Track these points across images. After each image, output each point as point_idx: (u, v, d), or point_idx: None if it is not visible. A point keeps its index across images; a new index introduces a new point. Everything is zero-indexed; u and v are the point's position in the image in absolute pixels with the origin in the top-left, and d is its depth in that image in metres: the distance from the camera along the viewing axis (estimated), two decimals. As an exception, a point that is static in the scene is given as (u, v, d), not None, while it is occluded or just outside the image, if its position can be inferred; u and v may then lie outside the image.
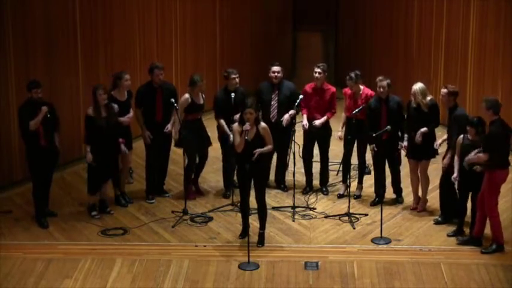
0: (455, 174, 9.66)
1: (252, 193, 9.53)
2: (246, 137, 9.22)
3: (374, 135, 10.42)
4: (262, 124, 9.42)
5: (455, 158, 9.58)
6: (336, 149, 12.02)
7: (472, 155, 9.27)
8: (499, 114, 9.24)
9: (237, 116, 10.54)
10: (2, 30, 11.00)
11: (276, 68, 10.96)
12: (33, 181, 10.10)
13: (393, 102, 10.43)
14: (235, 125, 9.45)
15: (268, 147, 9.41)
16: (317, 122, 10.87)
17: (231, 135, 10.04)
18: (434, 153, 10.31)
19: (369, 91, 10.76)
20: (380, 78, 10.43)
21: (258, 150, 9.27)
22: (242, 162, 9.31)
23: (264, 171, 9.54)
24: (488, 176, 9.21)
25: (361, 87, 10.80)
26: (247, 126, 9.24)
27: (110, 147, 10.18)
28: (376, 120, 10.41)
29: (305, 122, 10.92)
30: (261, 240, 9.57)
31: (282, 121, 10.84)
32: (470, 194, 9.63)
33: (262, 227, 9.60)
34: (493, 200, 9.28)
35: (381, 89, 10.38)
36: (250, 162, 9.25)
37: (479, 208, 9.39)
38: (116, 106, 10.30)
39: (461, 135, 9.54)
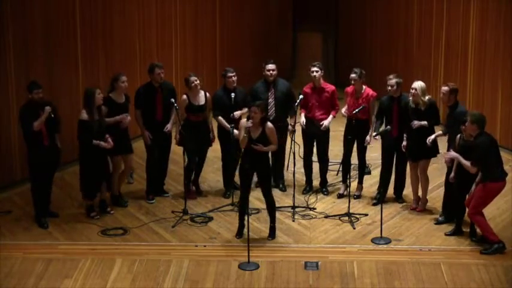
0: (452, 174, 9.67)
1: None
2: (245, 134, 9.28)
3: (375, 134, 10.43)
4: (269, 124, 9.48)
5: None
6: (336, 149, 12.01)
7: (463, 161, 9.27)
8: (483, 129, 9.19)
9: (237, 113, 10.63)
10: (2, 30, 10.99)
11: (271, 66, 10.95)
12: (33, 181, 10.07)
13: (404, 101, 10.41)
14: (243, 121, 9.50)
15: (271, 147, 9.47)
16: (326, 122, 10.85)
17: (234, 131, 10.25)
18: (435, 152, 10.29)
19: (370, 91, 10.75)
20: (390, 76, 10.43)
21: (259, 146, 9.34)
22: (245, 160, 9.40)
23: (266, 169, 9.57)
24: (482, 186, 9.20)
25: (364, 86, 10.81)
26: (248, 123, 9.31)
27: (101, 149, 10.09)
28: (388, 118, 10.42)
29: (303, 119, 10.92)
30: (272, 233, 9.70)
31: (279, 119, 10.84)
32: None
33: (273, 220, 9.72)
34: (479, 207, 9.26)
35: (389, 87, 10.38)
36: (251, 162, 9.34)
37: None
38: (105, 108, 10.22)
39: (458, 135, 9.53)
